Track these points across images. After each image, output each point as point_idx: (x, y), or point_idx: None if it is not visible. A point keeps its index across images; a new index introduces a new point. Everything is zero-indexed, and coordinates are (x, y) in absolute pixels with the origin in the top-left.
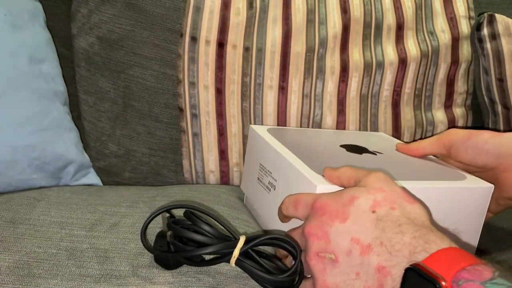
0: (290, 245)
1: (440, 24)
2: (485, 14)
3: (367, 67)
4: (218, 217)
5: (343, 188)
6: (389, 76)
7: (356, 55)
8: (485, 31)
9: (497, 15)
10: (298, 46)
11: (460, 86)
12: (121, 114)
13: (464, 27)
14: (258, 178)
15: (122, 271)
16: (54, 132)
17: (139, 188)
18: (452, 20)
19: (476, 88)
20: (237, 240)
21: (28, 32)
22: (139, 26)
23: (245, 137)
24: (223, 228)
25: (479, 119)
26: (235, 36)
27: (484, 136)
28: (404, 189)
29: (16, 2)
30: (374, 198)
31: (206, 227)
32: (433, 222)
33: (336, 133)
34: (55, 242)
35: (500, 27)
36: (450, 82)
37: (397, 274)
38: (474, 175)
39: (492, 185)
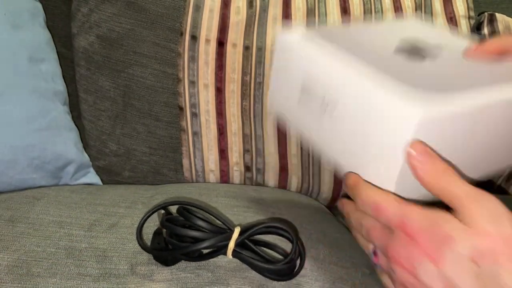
0: (286, 232)
1: (440, 24)
2: (486, 13)
3: None
4: (212, 210)
5: (433, 198)
6: None
7: None
8: (486, 30)
9: (498, 15)
10: None
11: None
12: (121, 113)
13: (464, 27)
14: (301, 102)
15: (121, 269)
16: (54, 132)
17: (138, 187)
18: (452, 20)
19: None
20: (231, 231)
21: (28, 31)
22: (139, 25)
23: (245, 136)
24: (219, 221)
25: None
26: (235, 35)
27: None
28: None
29: (16, 1)
30: (476, 247)
31: (200, 222)
32: None
33: (381, 27)
34: (54, 241)
35: (500, 27)
36: None
37: None
38: None
39: None
